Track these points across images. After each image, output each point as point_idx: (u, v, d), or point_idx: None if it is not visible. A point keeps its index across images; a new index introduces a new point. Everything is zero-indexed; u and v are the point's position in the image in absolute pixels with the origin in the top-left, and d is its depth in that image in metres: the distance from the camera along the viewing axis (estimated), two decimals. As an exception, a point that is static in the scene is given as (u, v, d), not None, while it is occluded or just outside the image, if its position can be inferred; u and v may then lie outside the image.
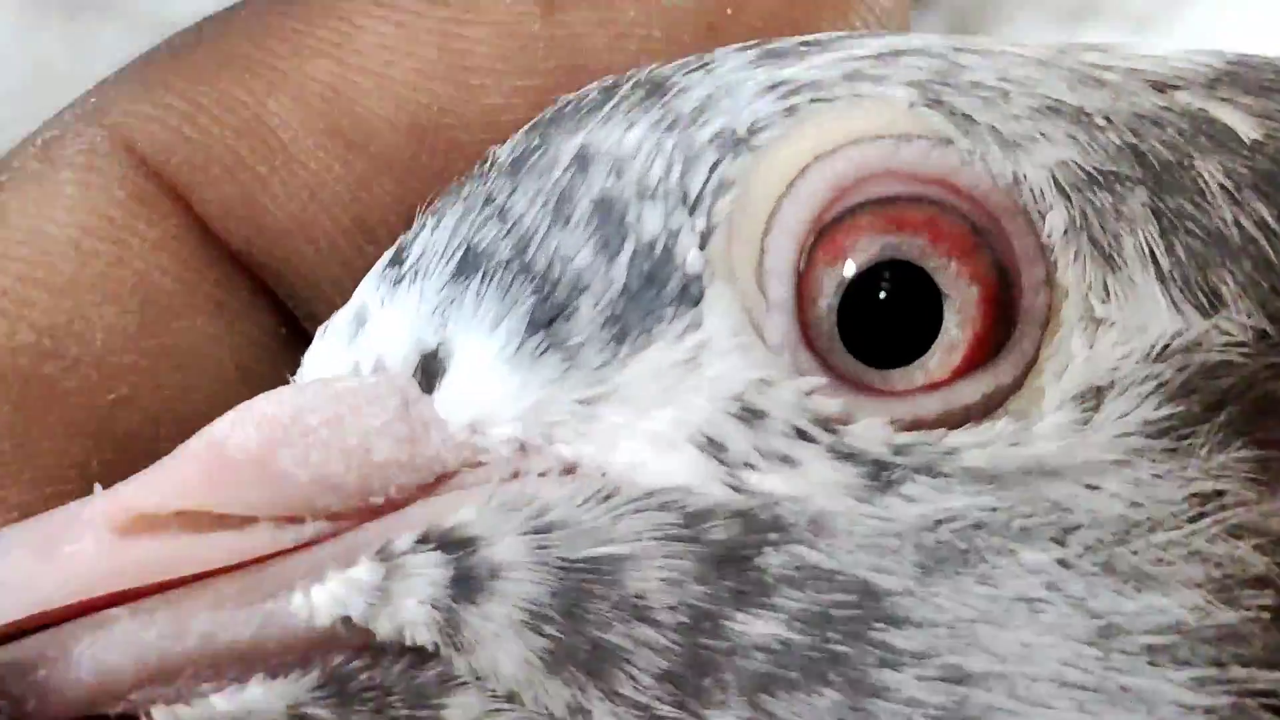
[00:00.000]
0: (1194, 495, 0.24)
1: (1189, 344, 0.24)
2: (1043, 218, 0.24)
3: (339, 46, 0.29)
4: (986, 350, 0.24)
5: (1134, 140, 0.25)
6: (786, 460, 0.24)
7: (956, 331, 0.24)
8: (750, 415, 0.24)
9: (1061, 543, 0.24)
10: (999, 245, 0.25)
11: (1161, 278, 0.24)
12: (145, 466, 0.26)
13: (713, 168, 0.25)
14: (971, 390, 0.24)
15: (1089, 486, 0.24)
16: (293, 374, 0.28)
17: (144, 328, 0.29)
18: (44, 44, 0.75)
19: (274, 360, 0.30)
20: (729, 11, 0.29)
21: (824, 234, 0.25)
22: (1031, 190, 0.25)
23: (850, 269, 0.24)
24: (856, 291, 0.25)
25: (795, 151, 0.25)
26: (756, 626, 0.24)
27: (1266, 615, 0.24)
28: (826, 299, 0.25)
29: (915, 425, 0.24)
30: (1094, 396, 0.24)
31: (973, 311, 0.24)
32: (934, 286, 0.25)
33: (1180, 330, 0.24)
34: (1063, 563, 0.24)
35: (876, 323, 0.25)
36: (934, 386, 0.24)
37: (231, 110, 0.29)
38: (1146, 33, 0.86)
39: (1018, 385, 0.24)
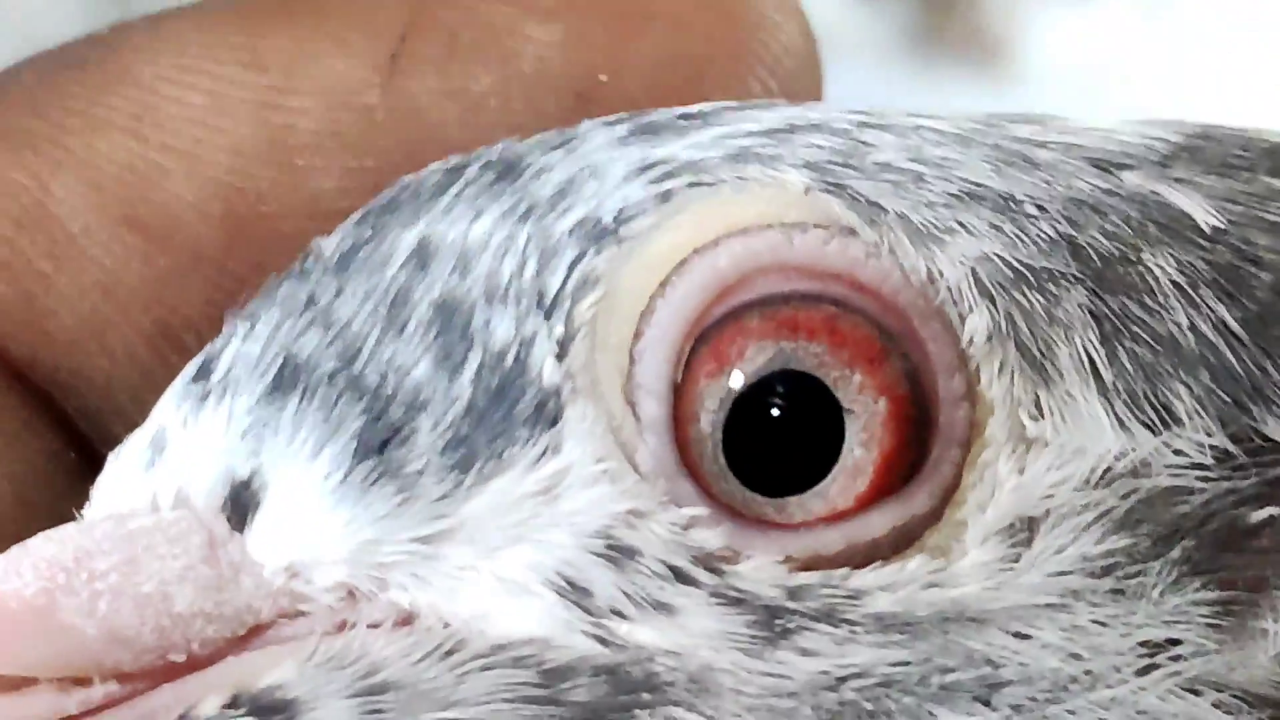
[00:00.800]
0: (1142, 644, 0.22)
1: (1136, 467, 0.22)
2: (963, 321, 0.22)
3: (138, 119, 0.28)
4: (897, 475, 0.22)
5: (1071, 231, 0.23)
6: (662, 607, 0.22)
7: (861, 452, 0.22)
8: (618, 554, 0.22)
9: (987, 702, 0.22)
10: (911, 352, 0.22)
11: (1104, 391, 0.22)
12: None
13: (573, 263, 0.23)
14: (880, 522, 0.22)
15: (1018, 635, 0.22)
16: (82, 505, 0.25)
17: None
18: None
19: (60, 491, 0.28)
20: (602, 78, 0.27)
21: (705, 340, 0.22)
22: (949, 289, 0.22)
23: (737, 380, 0.22)
24: (744, 407, 0.22)
25: (671, 244, 0.23)
26: None
27: None
28: (709, 416, 0.22)
29: (814, 564, 0.22)
30: (1024, 529, 0.22)
31: (879, 430, 0.22)
32: (834, 401, 0.22)
33: (1125, 451, 0.22)
34: None
35: (768, 443, 0.22)
36: (836, 518, 0.22)
37: (9, 195, 0.27)
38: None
39: (935, 516, 0.22)
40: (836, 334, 0.22)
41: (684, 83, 0.28)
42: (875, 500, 0.22)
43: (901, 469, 0.22)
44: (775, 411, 0.22)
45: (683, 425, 0.22)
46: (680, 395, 0.23)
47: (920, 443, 0.22)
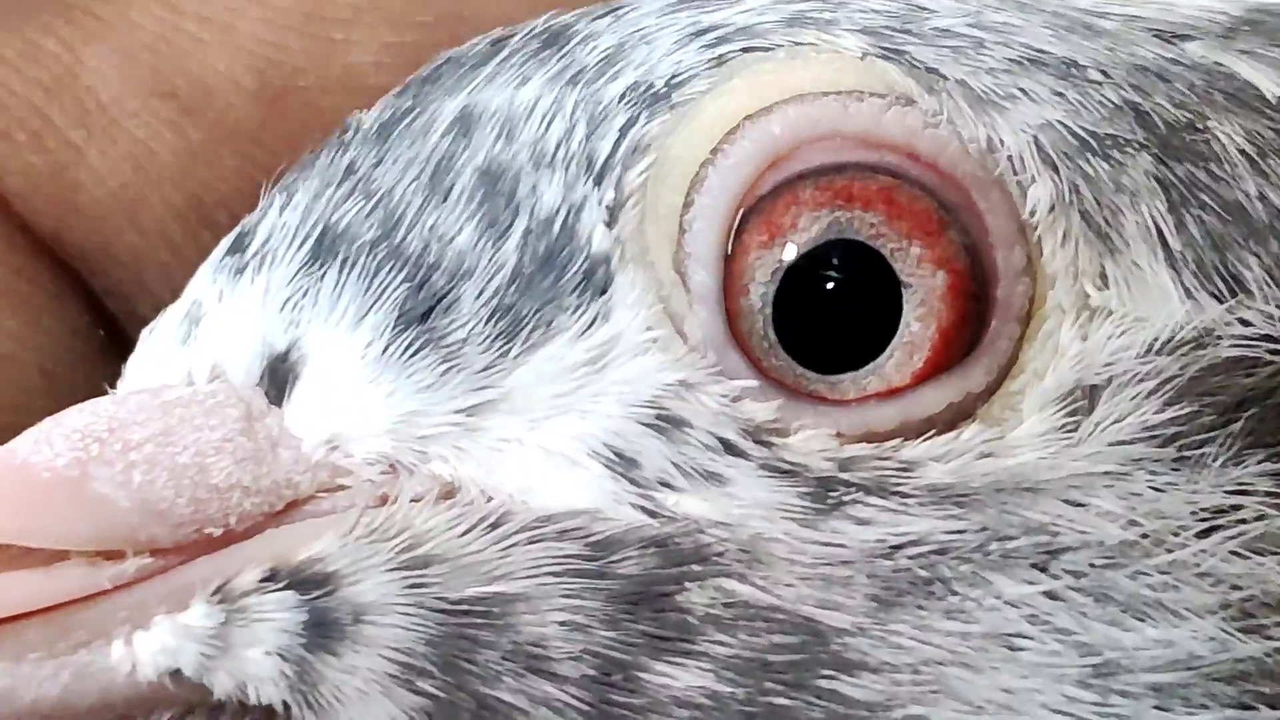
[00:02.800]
0: (1203, 509, 0.22)
1: (1201, 336, 0.22)
2: (1024, 191, 0.22)
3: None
4: (955, 350, 0.22)
5: (1135, 98, 0.23)
6: (712, 477, 0.22)
7: (919, 327, 0.22)
8: (668, 425, 0.22)
9: (1045, 569, 0.22)
10: (970, 225, 0.22)
11: (1171, 260, 0.22)
12: None
13: (624, 129, 0.23)
14: (936, 398, 0.22)
15: (1076, 503, 0.22)
16: (112, 384, 0.25)
17: None
18: None
19: (87, 366, 0.29)
20: None
21: (757, 210, 0.22)
22: (1010, 157, 0.22)
23: (790, 252, 0.22)
24: (797, 279, 0.22)
25: (723, 109, 0.22)
26: (679, 678, 0.22)
27: None
28: (759, 288, 0.22)
29: (867, 437, 0.22)
30: (1084, 398, 0.22)
31: (938, 304, 0.22)
32: (890, 274, 0.22)
33: (1191, 320, 0.22)
34: (1047, 593, 0.22)
35: (821, 318, 0.22)
36: (891, 394, 0.22)
37: (39, 63, 0.28)
38: None
39: (992, 390, 0.22)
40: (894, 204, 0.22)
41: None
42: (930, 376, 0.22)
43: (960, 344, 0.22)
44: (829, 285, 0.22)
45: (733, 297, 0.22)
46: (731, 265, 0.23)
47: (978, 317, 0.22)
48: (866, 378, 0.22)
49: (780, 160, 0.22)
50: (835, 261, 0.22)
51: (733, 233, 0.23)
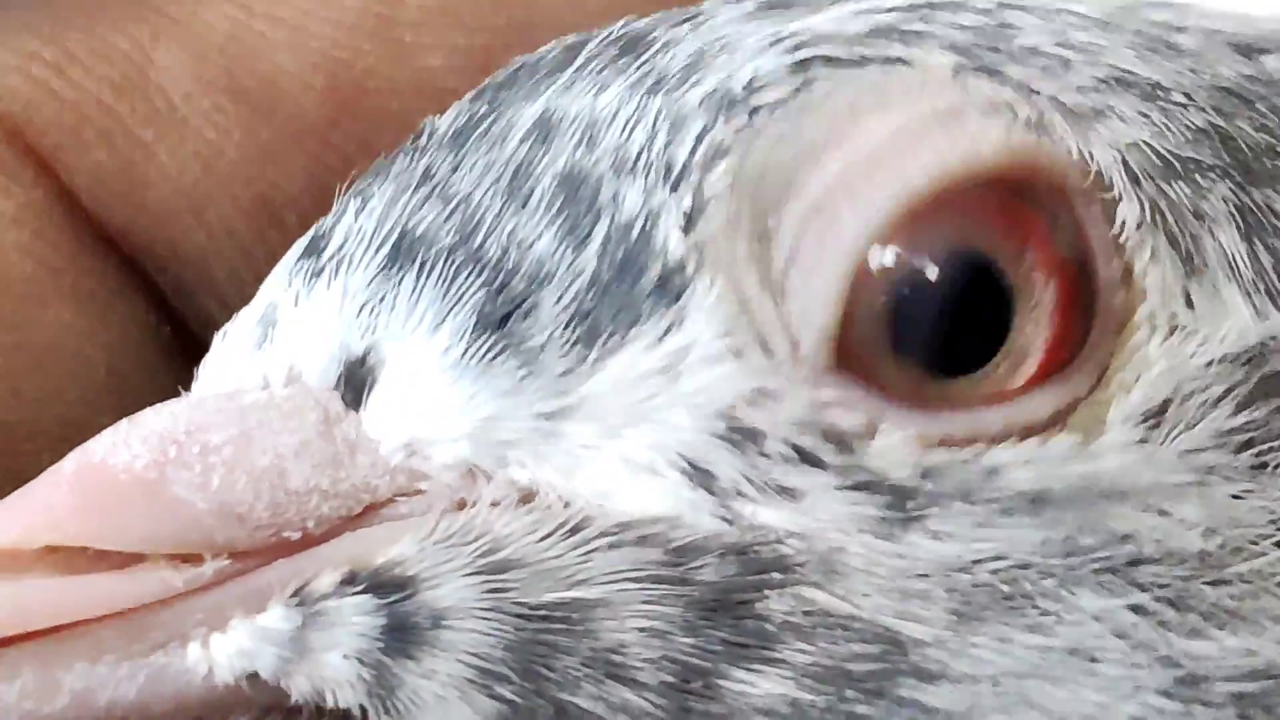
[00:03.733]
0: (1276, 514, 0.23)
1: (1266, 343, 0.23)
2: (1114, 207, 0.22)
3: None
4: (1062, 357, 0.22)
5: (1219, 121, 0.23)
6: (785, 492, 0.22)
7: (1031, 333, 0.22)
8: (739, 436, 0.22)
9: (1127, 580, 0.22)
10: (1075, 236, 0.23)
11: (1242, 283, 0.23)
12: (8, 488, 0.24)
13: (701, 134, 0.23)
14: (1042, 404, 0.22)
15: (1158, 511, 0.22)
16: (176, 381, 0.25)
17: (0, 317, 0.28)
18: None
19: (152, 365, 0.29)
20: None
21: (902, 226, 0.23)
22: (1101, 174, 0.22)
23: (905, 264, 0.22)
24: (913, 287, 0.22)
25: (822, 122, 0.23)
26: (759, 685, 0.22)
27: None
28: (883, 298, 0.22)
29: (955, 442, 0.22)
30: (1166, 406, 0.22)
31: (1050, 309, 0.22)
32: (997, 283, 0.23)
33: (1267, 336, 0.23)
34: (1130, 605, 0.22)
35: (934, 324, 0.23)
36: (1001, 398, 0.22)
37: (110, 61, 0.28)
38: None
39: (1083, 395, 0.22)
40: (1010, 216, 0.23)
41: None
42: (1040, 383, 0.22)
43: (1067, 352, 0.22)
44: (943, 293, 0.22)
45: (851, 309, 0.23)
46: (861, 275, 0.23)
47: (1084, 326, 0.22)
48: (979, 382, 0.22)
49: (899, 174, 0.23)
50: (947, 271, 0.23)
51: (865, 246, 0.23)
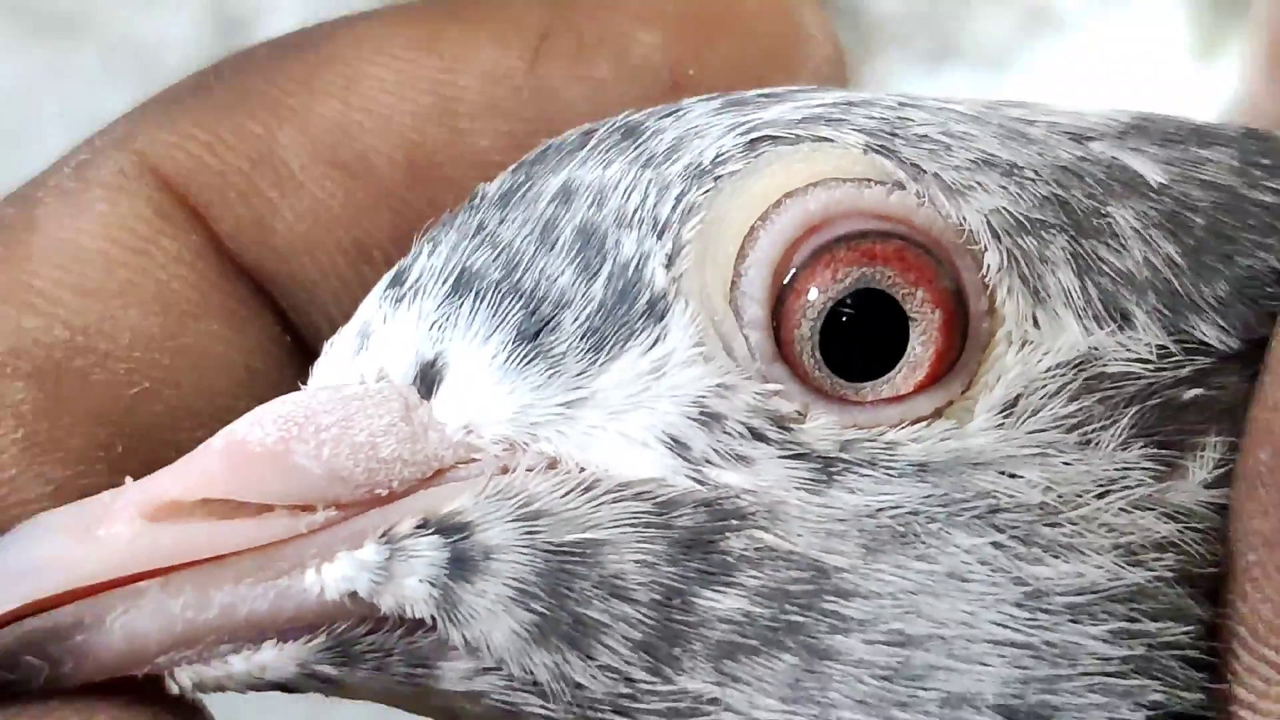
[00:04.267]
0: (1100, 478, 0.27)
1: (1092, 354, 0.27)
2: (981, 257, 0.27)
3: (345, 89, 0.32)
4: (944, 368, 0.27)
5: (1058, 191, 0.28)
6: (741, 459, 0.27)
7: (921, 350, 0.27)
8: (708, 419, 0.27)
9: (989, 524, 0.27)
10: (954, 277, 0.27)
11: (1077, 311, 0.27)
12: (164, 454, 0.29)
13: (679, 196, 0.28)
14: (927, 403, 0.27)
15: (1011, 475, 0.27)
16: (295, 378, 0.30)
17: (165, 330, 0.31)
18: (24, 62, 0.78)
19: (278, 364, 0.33)
20: (690, 71, 0.32)
21: (805, 265, 0.27)
22: (971, 232, 0.27)
23: (831, 295, 0.27)
24: (834, 315, 0.27)
25: (766, 186, 0.27)
26: (722, 602, 0.26)
27: (1170, 575, 0.27)
28: (809, 322, 0.27)
29: (861, 425, 0.27)
30: (1017, 400, 0.27)
31: (935, 333, 0.27)
32: (901, 314, 0.27)
33: (1090, 347, 0.27)
34: (991, 542, 0.27)
35: (851, 342, 0.27)
36: (898, 399, 0.27)
37: (247, 141, 0.32)
38: (1003, 71, 0.92)
39: (957, 397, 0.27)
40: (905, 260, 0.27)
41: (750, 81, 0.32)
42: (927, 386, 0.27)
43: (948, 362, 0.27)
44: (857, 319, 0.27)
45: (787, 328, 0.27)
46: (783, 306, 0.27)
47: (960, 345, 0.27)
48: (882, 386, 0.27)
49: (814, 228, 0.27)
50: (861, 304, 0.27)
51: (780, 277, 0.27)
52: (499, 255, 0.29)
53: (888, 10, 0.84)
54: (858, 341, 0.27)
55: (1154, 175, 0.29)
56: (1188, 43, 0.82)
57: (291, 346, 0.33)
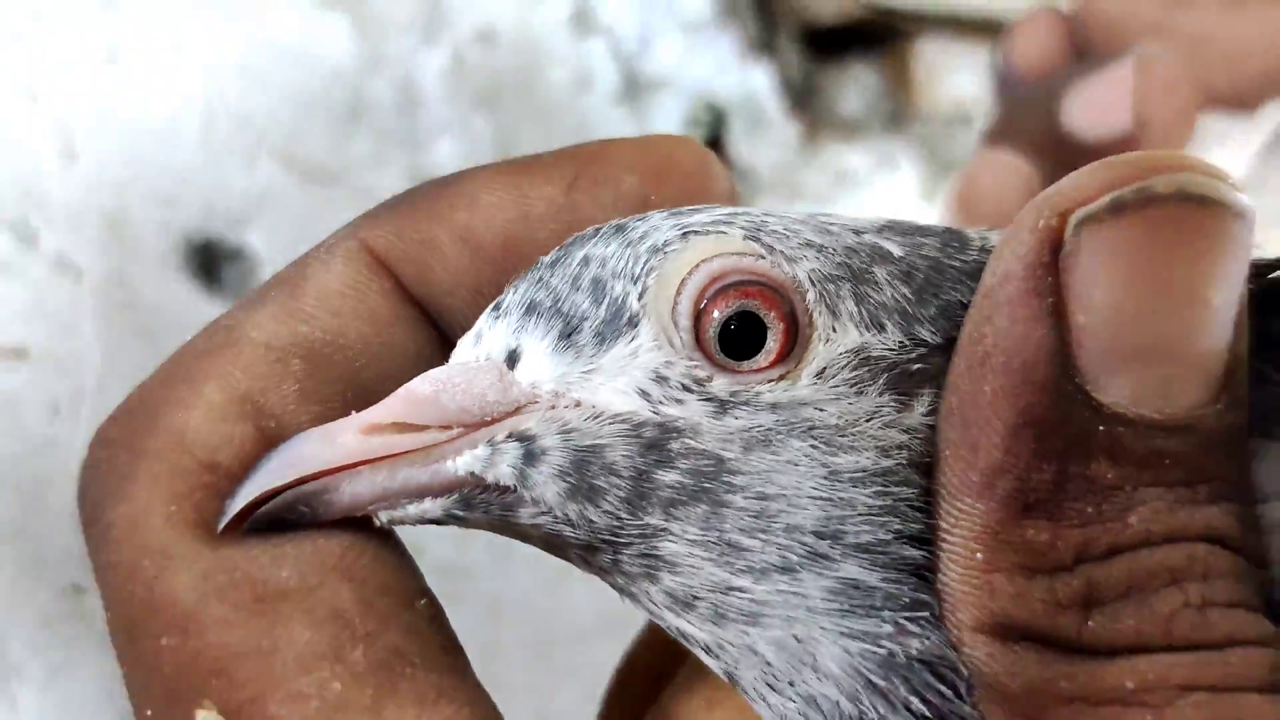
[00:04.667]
0: (870, 409, 0.34)
1: (866, 349, 0.35)
2: (804, 295, 0.34)
3: (470, 206, 0.39)
4: (784, 355, 0.34)
5: (846, 260, 0.35)
6: (678, 401, 0.34)
7: (773, 345, 0.34)
8: (661, 379, 0.34)
9: (807, 435, 0.34)
10: (792, 306, 0.34)
11: (856, 323, 0.35)
12: (373, 400, 0.36)
13: (645, 262, 0.35)
14: (776, 372, 0.34)
15: (819, 409, 0.34)
16: (443, 359, 0.37)
17: (374, 333, 0.38)
18: (306, 203, 0.95)
19: (434, 353, 0.39)
20: (653, 197, 0.38)
21: (713, 299, 0.34)
22: (799, 282, 0.34)
23: (725, 314, 0.34)
24: (727, 324, 0.34)
25: (691, 257, 0.35)
26: (667, 476, 0.34)
27: (905, 461, 0.34)
28: (713, 327, 0.34)
29: (740, 383, 0.34)
30: (824, 370, 0.34)
31: (781, 336, 0.34)
32: (762, 324, 0.34)
33: (863, 343, 0.35)
34: (811, 444, 0.34)
35: (734, 340, 0.34)
36: (759, 370, 0.34)
37: (419, 233, 0.39)
38: (825, 205, 1.21)
39: (792, 369, 0.34)
40: (765, 297, 0.34)
41: (686, 202, 0.38)
42: (775, 364, 0.34)
43: (787, 352, 0.34)
44: (738, 327, 0.34)
45: (702, 332, 0.34)
46: (700, 320, 0.34)
47: (794, 342, 0.34)
48: (751, 363, 0.34)
49: (715, 279, 0.34)
50: (739, 319, 0.34)
51: (698, 305, 0.34)
52: (550, 294, 0.36)
53: (762, 173, 1.12)
54: (739, 338, 0.34)
55: (896, 250, 0.36)
56: (920, 193, 1.14)
57: (441, 343, 0.39)
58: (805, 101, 1.33)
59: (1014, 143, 0.72)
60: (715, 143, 1.23)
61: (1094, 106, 0.70)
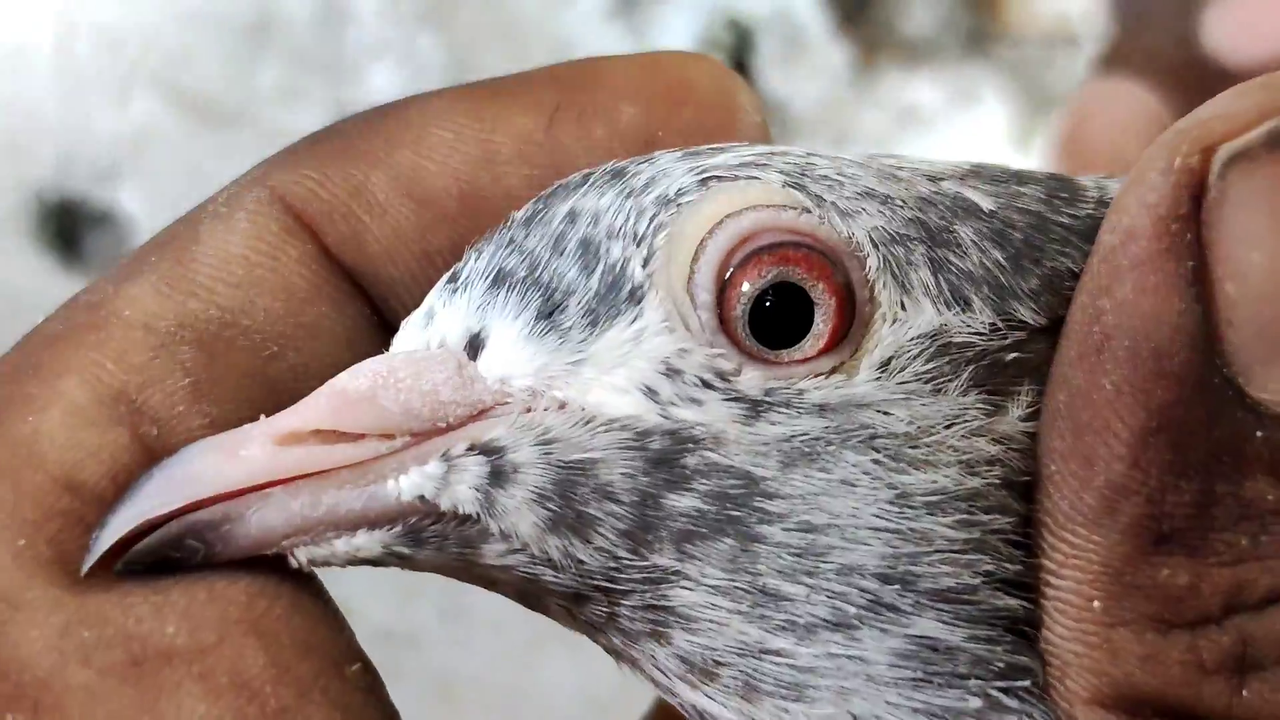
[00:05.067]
0: (951, 412, 0.34)
1: (945, 331, 0.34)
2: (864, 260, 0.34)
3: (416, 144, 0.39)
4: (837, 339, 0.34)
5: (919, 214, 0.35)
6: (694, 401, 0.34)
7: (822, 326, 0.34)
8: (672, 373, 0.34)
9: (869, 446, 0.34)
10: (845, 274, 0.34)
11: (932, 298, 0.34)
12: (287, 399, 0.35)
13: (653, 218, 0.35)
14: (827, 363, 0.34)
15: (883, 413, 0.34)
16: (381, 346, 0.37)
17: (288, 311, 0.38)
18: (196, 150, 0.93)
19: (369, 337, 0.39)
20: (660, 133, 0.39)
21: (740, 265, 0.34)
22: (857, 243, 0.34)
23: (758, 286, 0.34)
24: (761, 300, 0.34)
25: (714, 210, 0.35)
26: (681, 502, 0.34)
27: (997, 481, 0.34)
28: (742, 305, 0.34)
29: (779, 378, 0.33)
30: (890, 361, 0.34)
31: (831, 314, 0.34)
32: (808, 300, 0.34)
33: (942, 325, 0.34)
34: (872, 459, 0.33)
35: (773, 319, 0.34)
36: (803, 361, 0.34)
37: (347, 180, 0.39)
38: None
39: (847, 360, 0.34)
40: (810, 262, 0.34)
41: (702, 140, 0.38)
42: (826, 352, 0.34)
43: (840, 336, 0.34)
44: (777, 303, 0.34)
45: (727, 310, 0.34)
46: (724, 294, 0.34)
47: (849, 322, 0.34)
48: (794, 351, 0.34)
49: (746, 239, 0.34)
50: (780, 292, 0.34)
51: (722, 274, 0.34)
52: (524, 259, 0.36)
53: (802, 110, 1.10)
54: (777, 319, 0.34)
55: (986, 203, 0.36)
56: (1010, 135, 1.08)
57: (378, 324, 0.39)
58: (858, 17, 1.17)
59: (1136, 69, 0.69)
60: (739, 71, 1.21)
61: (1243, 23, 0.67)
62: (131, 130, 0.88)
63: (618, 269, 0.36)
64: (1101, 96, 0.62)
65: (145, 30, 0.89)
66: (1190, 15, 0.63)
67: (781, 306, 0.35)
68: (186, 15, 0.89)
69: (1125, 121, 0.60)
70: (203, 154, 0.90)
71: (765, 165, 0.36)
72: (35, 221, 0.82)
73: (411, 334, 0.37)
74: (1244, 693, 0.31)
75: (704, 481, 0.34)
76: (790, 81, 1.12)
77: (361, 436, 0.35)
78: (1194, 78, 0.61)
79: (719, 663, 0.35)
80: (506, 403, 0.36)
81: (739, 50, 1.16)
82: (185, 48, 0.89)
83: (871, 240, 0.35)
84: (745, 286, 0.35)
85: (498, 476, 0.35)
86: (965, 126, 1.17)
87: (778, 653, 0.34)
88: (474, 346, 0.36)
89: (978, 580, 0.34)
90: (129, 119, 0.88)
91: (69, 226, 0.83)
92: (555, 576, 0.35)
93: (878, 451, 0.34)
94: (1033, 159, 0.75)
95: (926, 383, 0.35)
